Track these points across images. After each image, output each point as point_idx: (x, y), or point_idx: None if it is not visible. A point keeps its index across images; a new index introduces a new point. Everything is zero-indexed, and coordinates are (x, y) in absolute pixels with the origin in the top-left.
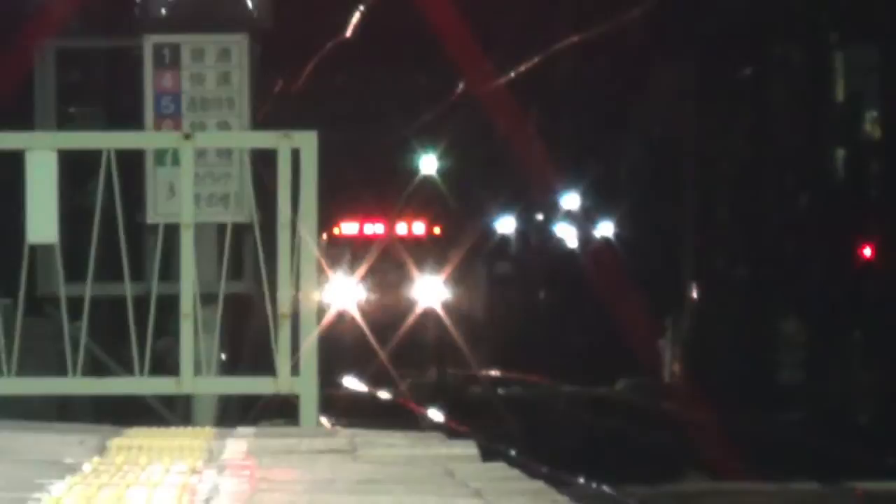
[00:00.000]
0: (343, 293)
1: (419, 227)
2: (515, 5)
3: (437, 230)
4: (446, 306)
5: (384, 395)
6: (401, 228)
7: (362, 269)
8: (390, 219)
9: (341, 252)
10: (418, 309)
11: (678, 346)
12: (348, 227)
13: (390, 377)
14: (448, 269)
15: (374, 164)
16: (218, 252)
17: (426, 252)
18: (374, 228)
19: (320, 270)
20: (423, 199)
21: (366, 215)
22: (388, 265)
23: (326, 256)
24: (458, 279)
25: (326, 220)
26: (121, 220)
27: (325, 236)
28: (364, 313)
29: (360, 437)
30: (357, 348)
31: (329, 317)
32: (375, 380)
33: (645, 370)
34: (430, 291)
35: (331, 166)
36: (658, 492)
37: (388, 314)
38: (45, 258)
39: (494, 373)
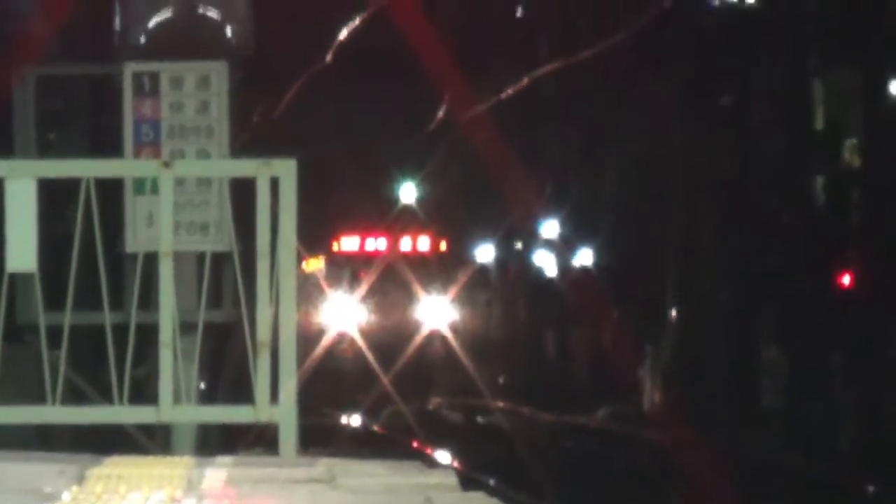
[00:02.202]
0: (343, 314)
1: (424, 243)
2: (497, 30)
3: (443, 246)
4: (453, 328)
5: (366, 423)
6: (405, 244)
7: (363, 288)
8: (393, 234)
9: (341, 269)
10: (423, 331)
11: (658, 375)
12: (348, 243)
13: (387, 404)
14: (455, 289)
15: (359, 190)
16: (197, 281)
17: (432, 270)
18: (377, 244)
19: (319, 289)
20: (425, 215)
21: (367, 230)
22: (390, 284)
23: (325, 275)
24: (464, 300)
25: (325, 234)
26: (100, 248)
27: (323, 253)
28: (365, 335)
29: (338, 465)
30: (357, 372)
31: (328, 339)
32: (374, 406)
33: (626, 398)
34: (436, 312)
35: (323, 185)
36: None
37: (390, 336)
38: (24, 286)
39: (475, 401)
